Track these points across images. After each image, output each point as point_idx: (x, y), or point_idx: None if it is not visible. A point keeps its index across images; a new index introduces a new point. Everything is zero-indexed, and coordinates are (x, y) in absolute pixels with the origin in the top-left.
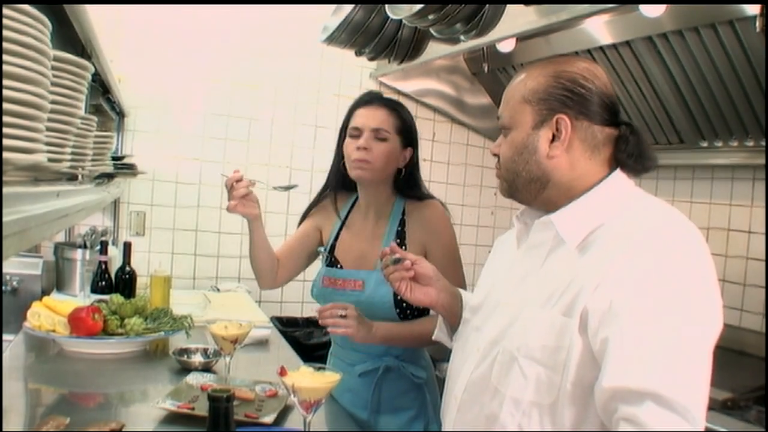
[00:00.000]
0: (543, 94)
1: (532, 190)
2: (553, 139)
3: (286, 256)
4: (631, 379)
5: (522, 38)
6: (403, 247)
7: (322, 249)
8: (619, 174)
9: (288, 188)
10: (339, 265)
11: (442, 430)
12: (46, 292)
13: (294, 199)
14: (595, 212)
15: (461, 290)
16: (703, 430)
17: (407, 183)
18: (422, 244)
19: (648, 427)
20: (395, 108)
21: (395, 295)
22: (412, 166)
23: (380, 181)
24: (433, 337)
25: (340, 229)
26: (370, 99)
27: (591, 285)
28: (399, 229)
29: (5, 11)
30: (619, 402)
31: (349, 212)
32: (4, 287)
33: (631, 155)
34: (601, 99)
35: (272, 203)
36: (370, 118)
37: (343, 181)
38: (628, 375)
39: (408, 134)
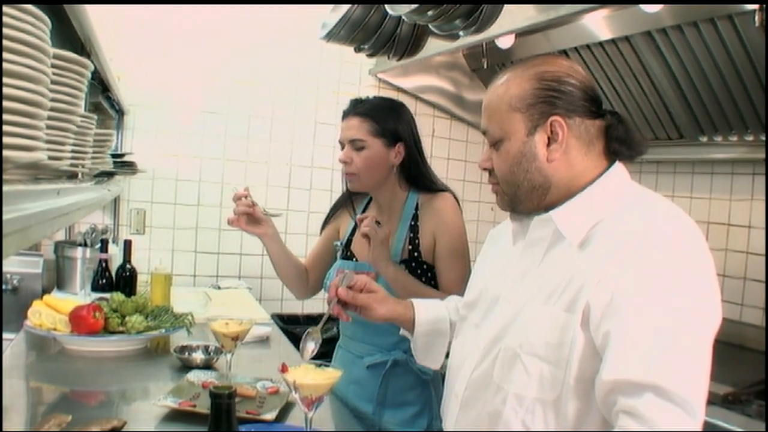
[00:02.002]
0: (530, 99)
1: (534, 198)
2: (549, 142)
3: (314, 262)
4: (631, 371)
5: (521, 34)
6: (416, 241)
7: (338, 243)
8: (616, 169)
9: (273, 215)
10: (354, 259)
11: (444, 427)
12: (46, 291)
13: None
14: (594, 208)
15: (415, 303)
16: (702, 421)
17: (415, 176)
18: (432, 234)
19: (647, 419)
20: (367, 113)
21: None
22: (413, 158)
23: (376, 185)
24: (401, 333)
25: (356, 225)
26: (347, 111)
27: (592, 280)
28: (412, 223)
29: (5, 9)
30: (618, 394)
31: (365, 209)
32: (4, 286)
33: (623, 142)
34: (586, 93)
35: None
36: (345, 130)
37: None
38: (628, 367)
39: (391, 132)
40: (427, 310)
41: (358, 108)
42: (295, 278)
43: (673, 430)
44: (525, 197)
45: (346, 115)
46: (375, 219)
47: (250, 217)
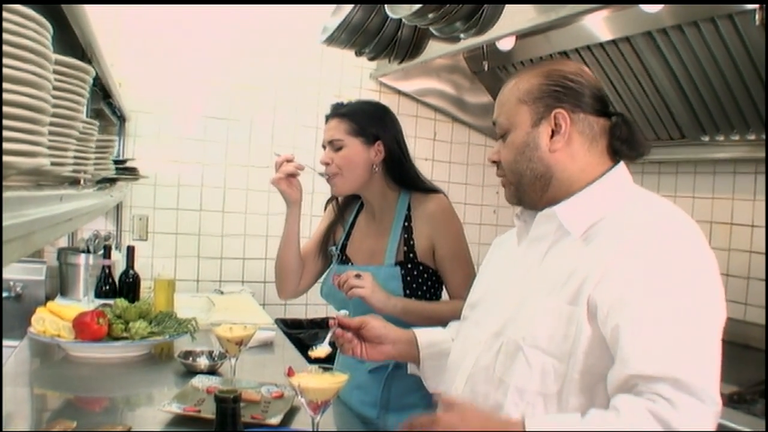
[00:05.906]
0: (537, 93)
1: (537, 189)
2: (553, 134)
3: (306, 257)
4: (647, 365)
5: (521, 36)
6: (411, 242)
7: (333, 248)
8: (620, 169)
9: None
10: (350, 263)
11: None
12: (50, 298)
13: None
14: (597, 204)
15: (416, 330)
16: (720, 409)
17: (400, 175)
18: (429, 239)
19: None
20: (345, 114)
21: (405, 288)
22: (395, 156)
23: (359, 185)
24: (408, 371)
25: (351, 228)
26: (328, 114)
27: (595, 275)
28: (405, 224)
29: (6, 14)
30: (634, 390)
31: (359, 212)
32: (8, 293)
33: (625, 142)
34: (592, 91)
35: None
36: (326, 132)
37: None
38: (644, 362)
39: (367, 131)
40: (428, 334)
41: (338, 110)
42: (294, 267)
43: (694, 421)
44: (528, 187)
45: (327, 118)
46: (354, 275)
47: (291, 179)
